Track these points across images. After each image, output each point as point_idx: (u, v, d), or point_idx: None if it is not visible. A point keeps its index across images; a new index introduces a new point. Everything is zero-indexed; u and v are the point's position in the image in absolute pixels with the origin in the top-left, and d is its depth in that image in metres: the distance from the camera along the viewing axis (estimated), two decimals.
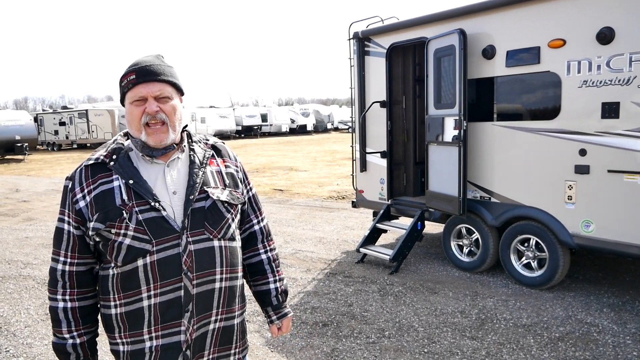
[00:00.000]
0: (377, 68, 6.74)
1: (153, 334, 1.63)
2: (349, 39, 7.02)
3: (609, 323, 4.38)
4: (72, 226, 1.65)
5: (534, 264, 5.28)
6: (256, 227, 1.97)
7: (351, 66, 7.10)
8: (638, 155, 4.35)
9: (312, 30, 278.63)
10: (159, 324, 1.63)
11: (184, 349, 1.65)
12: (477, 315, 4.65)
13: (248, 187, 1.92)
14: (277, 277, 2.02)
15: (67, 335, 1.68)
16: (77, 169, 1.68)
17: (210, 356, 1.74)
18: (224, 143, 1.90)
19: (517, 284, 5.37)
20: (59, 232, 1.68)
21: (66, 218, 1.66)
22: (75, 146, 33.59)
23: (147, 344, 1.64)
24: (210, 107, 42.25)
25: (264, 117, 43.22)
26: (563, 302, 4.87)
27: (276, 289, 2.00)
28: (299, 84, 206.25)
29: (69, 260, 1.66)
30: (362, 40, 6.87)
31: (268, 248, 2.01)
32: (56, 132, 34.21)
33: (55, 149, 34.12)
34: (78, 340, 1.68)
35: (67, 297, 1.66)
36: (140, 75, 1.64)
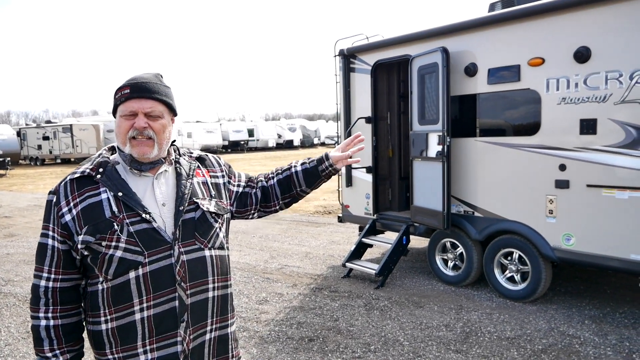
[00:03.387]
0: (362, 84, 6.84)
1: (147, 347, 1.62)
2: (335, 56, 7.13)
3: (590, 335, 4.45)
4: (58, 241, 1.62)
5: (517, 278, 5.35)
6: (261, 185, 2.03)
7: (337, 82, 7.20)
8: (615, 170, 4.47)
9: (299, 46, 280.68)
10: (154, 336, 1.61)
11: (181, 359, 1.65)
12: (462, 328, 4.69)
13: (238, 181, 1.97)
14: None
15: (49, 354, 1.63)
16: (61, 182, 1.67)
17: None
18: (206, 154, 1.95)
19: (501, 297, 5.43)
20: (42, 247, 1.65)
21: (50, 233, 1.63)
22: (59, 161, 33.25)
23: (142, 357, 1.62)
24: (197, 122, 42.19)
25: (250, 132, 43.27)
26: (546, 314, 4.94)
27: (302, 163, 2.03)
28: (285, 100, 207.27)
29: (52, 276, 1.63)
30: (348, 57, 6.97)
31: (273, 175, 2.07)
32: (39, 147, 33.86)
33: (38, 163, 33.75)
34: (61, 359, 1.64)
35: (50, 315, 1.63)
36: (135, 90, 1.66)
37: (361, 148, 2.00)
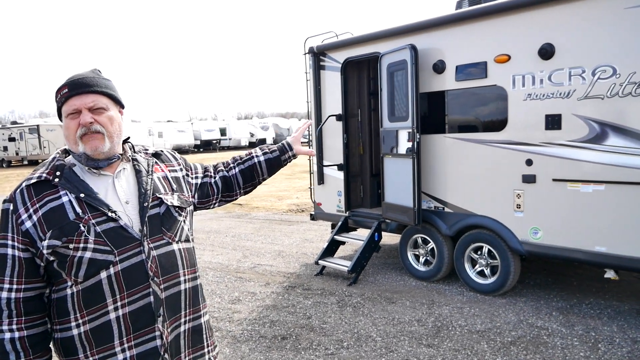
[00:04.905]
0: (332, 82, 6.84)
1: (125, 345, 1.60)
2: (305, 54, 7.11)
3: (557, 326, 4.55)
4: (18, 249, 1.58)
5: (487, 271, 5.43)
6: (221, 175, 2.07)
7: (307, 80, 7.19)
8: (580, 164, 4.58)
9: (270, 45, 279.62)
10: (132, 333, 1.60)
11: (162, 353, 1.64)
12: (434, 323, 4.74)
13: (195, 173, 2.01)
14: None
15: None
16: (16, 189, 1.62)
17: (187, 358, 1.75)
18: (161, 149, 1.94)
19: (472, 292, 5.51)
20: (1, 258, 1.59)
21: (9, 242, 1.58)
22: (26, 162, 32.43)
23: (120, 356, 1.60)
24: (168, 121, 41.68)
25: (222, 131, 42.92)
26: (515, 307, 5.03)
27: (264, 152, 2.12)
28: (258, 98, 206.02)
29: (15, 286, 1.57)
30: (318, 55, 6.97)
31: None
32: (5, 148, 32.99)
33: (4, 165, 32.89)
34: None
35: (15, 327, 1.57)
36: (73, 87, 1.65)
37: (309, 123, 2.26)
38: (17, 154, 32.51)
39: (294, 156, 2.15)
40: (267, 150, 2.11)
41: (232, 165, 2.08)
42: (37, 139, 30.87)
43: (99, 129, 1.65)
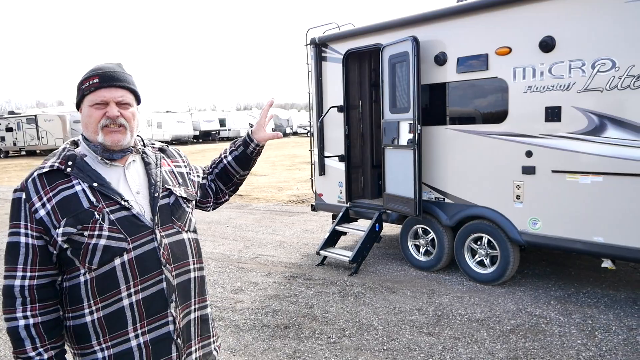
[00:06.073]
0: (334, 73, 6.87)
1: (139, 331, 1.64)
2: (306, 45, 7.13)
3: (556, 314, 4.63)
4: (32, 237, 1.60)
5: (487, 261, 5.51)
6: (211, 178, 2.13)
7: (309, 71, 7.21)
8: (579, 156, 4.64)
9: (270, 36, 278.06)
10: (145, 319, 1.65)
11: (175, 338, 1.69)
12: (434, 312, 4.82)
13: (197, 173, 2.06)
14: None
15: (32, 354, 1.59)
16: (27, 179, 1.65)
17: (197, 345, 1.81)
18: (167, 146, 2.00)
19: (471, 281, 5.59)
20: (13, 246, 1.61)
21: (22, 230, 1.60)
22: (23, 153, 32.41)
23: (134, 342, 1.64)
24: (167, 112, 41.53)
25: (222, 122, 42.86)
26: (514, 296, 5.11)
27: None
28: (257, 89, 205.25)
29: (28, 274, 1.60)
30: (319, 46, 6.99)
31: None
32: (2, 139, 32.92)
33: (2, 156, 32.83)
34: (45, 356, 1.60)
35: (29, 313, 1.59)
36: (104, 79, 1.69)
37: (271, 117, 2.17)
38: (14, 144, 32.46)
39: (259, 146, 2.08)
40: (234, 148, 2.11)
41: (210, 170, 2.14)
42: (35, 129, 30.80)
43: (123, 122, 1.71)
